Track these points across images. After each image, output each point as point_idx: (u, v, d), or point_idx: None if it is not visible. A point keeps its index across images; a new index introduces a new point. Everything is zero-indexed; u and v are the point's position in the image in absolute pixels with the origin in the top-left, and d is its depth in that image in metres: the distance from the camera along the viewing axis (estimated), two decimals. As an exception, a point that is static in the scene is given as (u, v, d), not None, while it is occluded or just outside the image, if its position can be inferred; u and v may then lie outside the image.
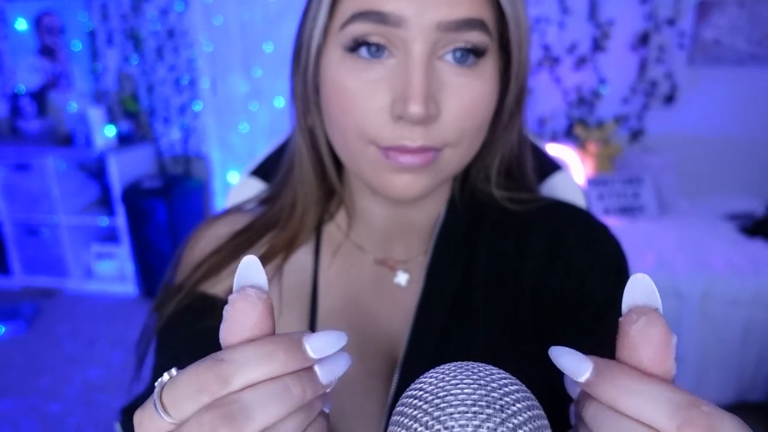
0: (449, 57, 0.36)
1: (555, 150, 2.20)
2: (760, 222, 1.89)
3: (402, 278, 0.45)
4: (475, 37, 0.36)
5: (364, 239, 0.46)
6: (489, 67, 0.38)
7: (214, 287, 0.43)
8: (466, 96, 0.37)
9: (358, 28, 0.36)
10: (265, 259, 0.44)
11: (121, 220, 2.45)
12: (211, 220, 0.49)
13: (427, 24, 0.35)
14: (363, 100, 0.36)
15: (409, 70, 0.35)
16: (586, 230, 0.44)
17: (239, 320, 0.22)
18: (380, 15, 0.35)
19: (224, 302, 0.43)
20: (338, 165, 0.46)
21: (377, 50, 0.36)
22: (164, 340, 0.43)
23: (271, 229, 0.46)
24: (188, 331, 0.41)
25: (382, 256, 0.46)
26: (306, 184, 0.45)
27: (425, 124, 0.36)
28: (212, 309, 0.42)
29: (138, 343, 0.44)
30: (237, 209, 0.50)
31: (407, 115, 0.35)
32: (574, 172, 2.16)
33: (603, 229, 0.45)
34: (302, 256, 0.46)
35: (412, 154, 0.37)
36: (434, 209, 0.46)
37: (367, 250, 0.46)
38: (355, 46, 0.36)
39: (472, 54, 0.37)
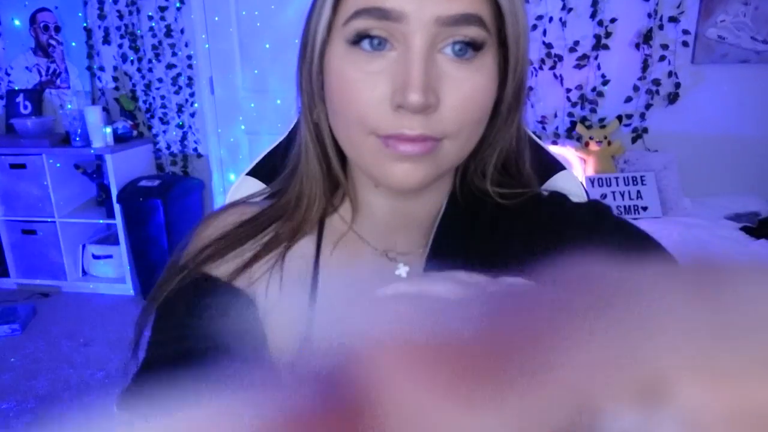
0: (448, 50, 0.38)
1: (556, 150, 2.18)
2: (765, 221, 1.87)
3: (402, 270, 0.46)
4: (473, 32, 0.38)
5: (366, 231, 0.48)
6: (487, 61, 0.40)
7: (216, 269, 0.46)
8: (466, 88, 0.38)
9: (361, 23, 0.38)
10: (269, 247, 0.47)
11: (118, 220, 2.43)
12: (219, 211, 0.51)
13: (427, 18, 0.37)
14: (364, 91, 0.38)
15: (409, 62, 0.37)
16: (559, 209, 0.46)
17: None
18: (382, 11, 0.37)
19: (224, 284, 0.44)
20: (343, 159, 0.48)
21: (379, 43, 0.38)
22: (163, 314, 0.45)
23: (277, 220, 0.48)
24: (188, 307, 0.44)
25: (384, 248, 0.47)
26: (312, 178, 0.47)
27: (424, 114, 0.37)
28: (213, 289, 0.44)
29: (138, 318, 0.46)
30: (244, 202, 0.52)
31: (407, 104, 0.36)
32: (577, 171, 2.15)
33: (580, 204, 0.46)
34: (305, 245, 0.48)
35: (411, 142, 0.38)
36: (436, 203, 0.48)
37: (369, 241, 0.48)
38: (358, 39, 0.38)
39: (471, 47, 0.38)
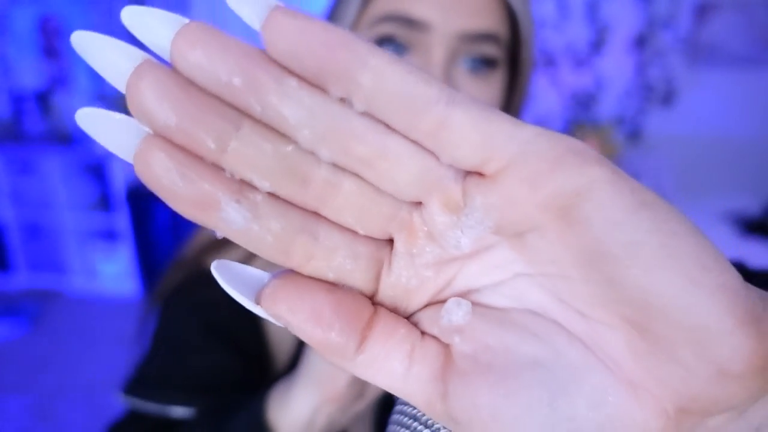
0: (464, 66, 0.39)
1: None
2: (759, 221, 1.90)
3: None
4: (491, 50, 0.39)
5: None
6: (498, 78, 0.41)
7: None
8: None
9: (387, 28, 0.39)
10: None
11: (124, 221, 2.46)
12: None
13: (451, 32, 0.38)
14: None
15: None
16: None
17: None
18: (409, 20, 0.38)
19: None
20: None
21: (401, 50, 0.39)
22: (168, 306, 0.47)
23: None
24: (192, 300, 0.46)
25: None
26: None
27: None
28: (216, 282, 0.44)
29: (143, 311, 0.48)
30: None
31: None
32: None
33: None
34: None
35: None
36: None
37: None
38: (381, 42, 0.39)
39: (485, 65, 0.40)
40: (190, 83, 0.13)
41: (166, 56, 0.13)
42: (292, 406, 0.33)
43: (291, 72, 0.13)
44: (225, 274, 0.16)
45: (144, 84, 0.13)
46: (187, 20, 0.13)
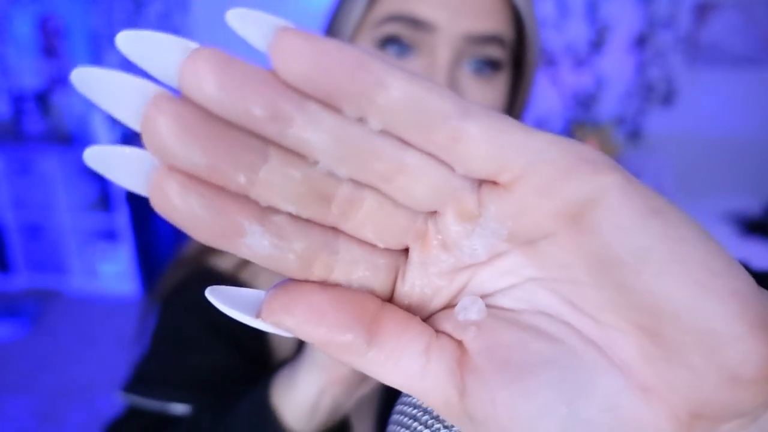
0: (469, 67, 0.39)
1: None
2: (759, 221, 1.91)
3: None
4: (495, 52, 0.39)
5: None
6: (502, 80, 0.41)
7: (221, 262, 0.47)
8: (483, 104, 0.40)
9: (392, 28, 0.39)
10: None
11: (124, 220, 2.46)
12: None
13: (457, 34, 0.38)
14: None
15: (432, 74, 0.38)
16: None
17: None
18: (415, 21, 0.38)
19: (228, 276, 0.47)
20: None
21: (404, 51, 0.39)
22: (168, 304, 0.47)
23: None
24: (191, 299, 0.45)
25: None
26: None
27: None
28: (216, 281, 0.45)
29: (142, 310, 0.48)
30: None
31: None
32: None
33: None
34: None
35: None
36: None
37: None
38: (385, 43, 0.39)
39: (490, 67, 0.40)
40: (210, 116, 0.12)
41: (171, 84, 0.12)
42: (298, 389, 0.33)
43: (305, 94, 0.12)
44: (221, 298, 0.15)
45: (163, 122, 0.12)
46: (195, 44, 0.12)
